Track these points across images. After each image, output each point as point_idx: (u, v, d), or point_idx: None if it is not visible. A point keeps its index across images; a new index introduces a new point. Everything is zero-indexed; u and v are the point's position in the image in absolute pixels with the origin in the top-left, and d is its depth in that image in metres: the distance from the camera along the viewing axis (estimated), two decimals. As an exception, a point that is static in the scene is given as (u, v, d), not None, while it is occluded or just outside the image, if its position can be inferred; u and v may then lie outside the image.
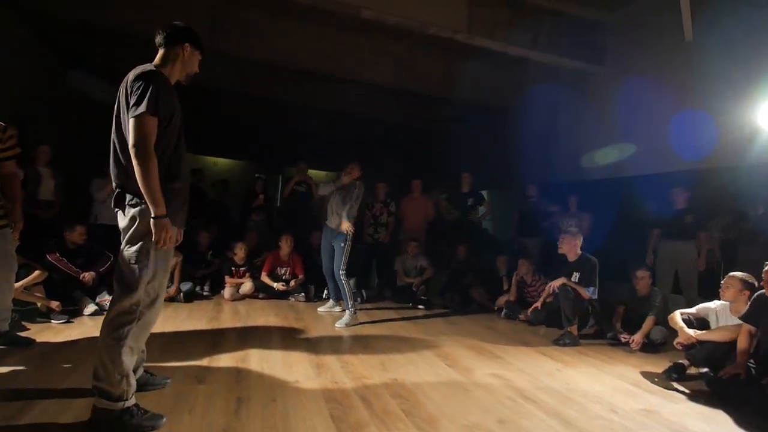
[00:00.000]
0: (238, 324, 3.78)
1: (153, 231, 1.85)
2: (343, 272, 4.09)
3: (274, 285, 4.89)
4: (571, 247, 4.00)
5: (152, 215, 1.85)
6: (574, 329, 3.87)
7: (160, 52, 2.08)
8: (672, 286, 4.90)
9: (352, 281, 5.19)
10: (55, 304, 3.39)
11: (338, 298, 4.46)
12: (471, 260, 5.80)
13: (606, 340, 4.10)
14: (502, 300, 5.09)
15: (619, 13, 6.16)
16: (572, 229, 4.10)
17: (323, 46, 6.85)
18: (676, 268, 4.82)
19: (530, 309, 4.43)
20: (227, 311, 4.26)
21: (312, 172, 6.67)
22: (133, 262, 1.91)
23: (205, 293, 4.89)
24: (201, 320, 3.80)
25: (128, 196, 1.94)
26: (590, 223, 5.68)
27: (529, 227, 6.12)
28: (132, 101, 1.88)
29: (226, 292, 4.76)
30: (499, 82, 7.97)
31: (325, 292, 5.07)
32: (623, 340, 3.97)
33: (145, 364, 2.30)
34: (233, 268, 4.94)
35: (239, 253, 4.94)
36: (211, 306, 4.43)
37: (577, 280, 3.93)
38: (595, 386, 2.80)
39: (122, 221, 1.98)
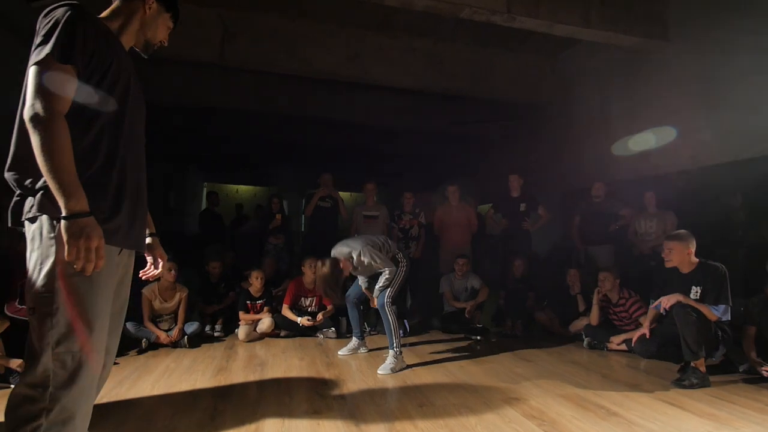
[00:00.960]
0: (253, 376, 2.92)
1: (64, 239, 1.06)
2: (390, 301, 3.23)
3: (298, 320, 4.03)
4: (683, 256, 2.99)
5: (62, 212, 1.06)
6: (701, 364, 2.85)
7: (112, 5, 1.35)
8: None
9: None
10: (15, 364, 2.62)
11: (362, 335, 3.61)
12: (531, 277, 4.83)
13: (738, 375, 3.06)
14: (579, 324, 4.08)
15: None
16: (681, 231, 3.09)
17: (345, 49, 6.19)
18: None
19: (635, 337, 3.40)
20: (241, 357, 3.42)
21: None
22: (33, 309, 1.10)
23: (216, 333, 4.08)
24: (205, 373, 2.96)
25: (28, 202, 1.15)
26: (675, 223, 4.65)
27: (595, 233, 5.11)
28: (36, 42, 1.13)
29: (241, 331, 3.93)
30: (539, 73, 7.09)
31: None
32: (765, 374, 2.94)
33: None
34: (248, 302, 4.12)
35: (255, 283, 4.13)
36: (222, 350, 3.60)
37: (698, 297, 2.92)
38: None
39: (29, 246, 1.18)
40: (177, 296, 3.77)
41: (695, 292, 2.94)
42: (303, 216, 7.39)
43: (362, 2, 4.78)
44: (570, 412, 2.32)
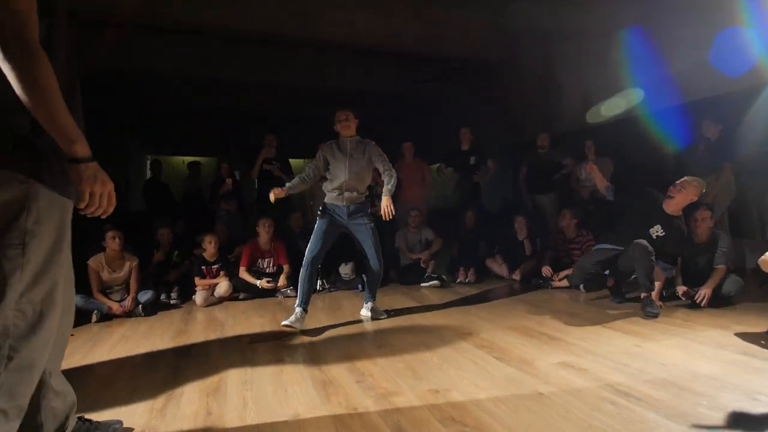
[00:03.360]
0: (213, 335, 2.93)
1: (81, 184, 1.13)
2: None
3: (257, 282, 4.03)
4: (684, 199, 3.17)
5: (71, 156, 1.10)
6: (655, 295, 3.12)
7: None
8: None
9: (349, 265, 4.40)
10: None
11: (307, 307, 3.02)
12: (481, 227, 5.03)
13: (662, 300, 3.40)
14: (527, 266, 4.35)
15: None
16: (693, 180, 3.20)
17: (291, 5, 5.92)
18: None
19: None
20: (200, 320, 3.40)
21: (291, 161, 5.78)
22: None
23: (173, 301, 4.01)
24: (164, 337, 2.94)
25: None
26: (611, 169, 4.98)
27: (540, 183, 5.38)
28: None
29: (198, 297, 3.89)
30: (487, 31, 7.11)
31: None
32: (681, 296, 3.30)
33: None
34: (204, 267, 4.06)
35: (209, 247, 4.06)
36: (180, 316, 3.56)
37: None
38: (702, 364, 2.07)
39: None
40: (127, 266, 3.65)
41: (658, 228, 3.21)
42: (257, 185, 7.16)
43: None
44: (517, 341, 2.52)
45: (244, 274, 4.07)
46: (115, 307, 3.48)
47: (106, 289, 3.58)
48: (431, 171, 5.58)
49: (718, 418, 1.55)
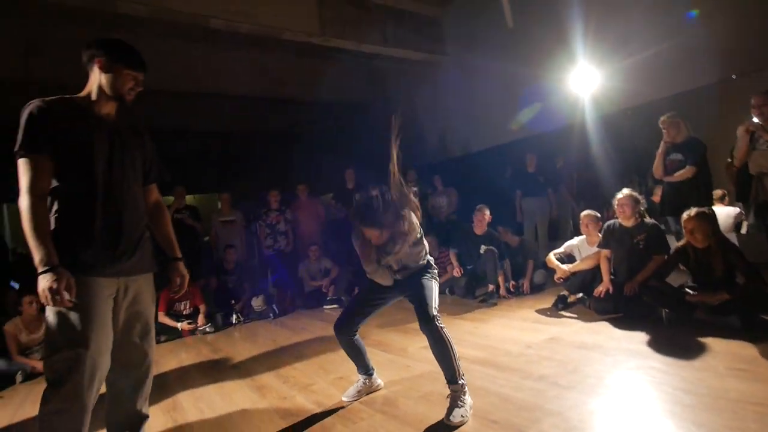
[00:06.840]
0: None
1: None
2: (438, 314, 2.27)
3: (178, 325, 4.46)
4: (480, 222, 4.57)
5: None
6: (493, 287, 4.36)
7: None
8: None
9: (260, 297, 5.04)
10: None
11: (369, 372, 2.46)
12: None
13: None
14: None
15: (452, 9, 6.93)
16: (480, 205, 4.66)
17: (171, 60, 6.39)
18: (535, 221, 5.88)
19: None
20: (128, 365, 3.78)
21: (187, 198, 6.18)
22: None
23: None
24: (101, 383, 3.32)
25: None
26: (457, 197, 6.40)
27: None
28: None
29: (120, 345, 4.20)
30: (355, 80, 8.32)
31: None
32: (511, 289, 4.60)
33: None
34: (121, 318, 4.37)
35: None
36: (106, 365, 3.88)
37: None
38: (509, 332, 3.23)
39: None
40: (44, 325, 3.85)
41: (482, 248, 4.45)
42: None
43: (182, 15, 5.15)
44: (397, 337, 3.49)
45: (163, 318, 4.47)
46: (39, 366, 3.67)
47: (25, 350, 3.75)
48: (323, 207, 6.43)
49: (508, 360, 2.64)
